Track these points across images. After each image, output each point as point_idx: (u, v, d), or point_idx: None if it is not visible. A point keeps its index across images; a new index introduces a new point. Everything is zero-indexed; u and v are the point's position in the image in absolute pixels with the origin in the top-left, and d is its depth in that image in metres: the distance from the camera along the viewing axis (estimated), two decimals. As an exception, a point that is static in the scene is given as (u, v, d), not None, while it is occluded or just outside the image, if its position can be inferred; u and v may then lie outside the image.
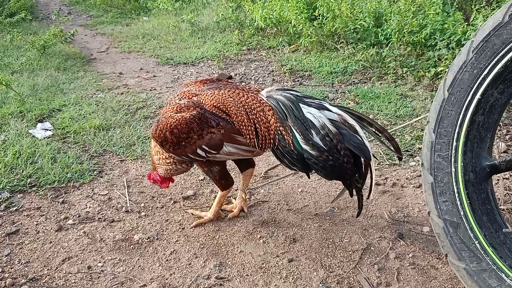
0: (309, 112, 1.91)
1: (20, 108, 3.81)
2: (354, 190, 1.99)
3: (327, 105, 1.93)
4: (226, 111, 2.01)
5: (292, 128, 1.92)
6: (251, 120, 1.99)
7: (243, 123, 2.00)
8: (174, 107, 2.03)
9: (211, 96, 2.04)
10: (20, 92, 4.15)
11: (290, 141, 1.93)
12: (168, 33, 6.91)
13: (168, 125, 1.98)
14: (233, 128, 2.00)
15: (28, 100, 4.04)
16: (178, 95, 2.12)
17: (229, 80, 2.36)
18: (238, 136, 2.01)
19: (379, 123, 3.34)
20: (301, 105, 1.94)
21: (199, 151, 2.02)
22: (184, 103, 2.03)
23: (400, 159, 2.08)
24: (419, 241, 2.15)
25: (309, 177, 2.12)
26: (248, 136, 2.01)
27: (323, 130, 1.87)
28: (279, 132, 1.96)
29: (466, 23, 4.13)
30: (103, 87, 4.57)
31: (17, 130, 3.37)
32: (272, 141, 1.98)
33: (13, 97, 4.06)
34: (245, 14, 6.78)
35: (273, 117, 1.97)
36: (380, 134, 1.97)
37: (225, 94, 2.04)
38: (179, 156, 2.09)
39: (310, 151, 1.89)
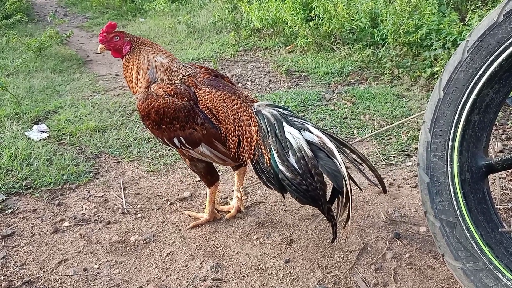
0: (289, 132, 1.86)
1: (15, 110, 3.79)
2: (329, 217, 1.90)
3: (309, 126, 1.88)
4: (216, 115, 2.00)
5: (271, 146, 1.89)
6: (236, 131, 1.99)
7: (229, 132, 1.99)
8: (170, 88, 2.00)
9: (208, 95, 2.02)
10: (16, 94, 4.14)
11: (268, 160, 1.90)
12: (164, 34, 6.90)
13: (157, 103, 1.97)
14: (215, 133, 2.00)
15: (24, 102, 4.03)
16: (183, 74, 2.07)
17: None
18: (217, 142, 2.01)
19: (375, 123, 3.35)
20: (284, 123, 1.90)
21: (175, 140, 2.02)
22: (181, 89, 2.01)
23: (384, 192, 1.99)
24: (416, 241, 2.16)
25: (284, 198, 2.08)
26: (231, 145, 2.01)
27: (299, 152, 1.82)
28: (259, 149, 1.94)
29: (462, 23, 4.14)
30: (99, 88, 4.56)
31: (13, 132, 3.36)
32: (252, 156, 1.97)
33: (8, 99, 4.05)
34: (241, 15, 6.77)
35: (257, 133, 1.95)
36: (361, 163, 1.91)
37: (220, 97, 2.02)
38: (155, 136, 2.09)
39: (285, 172, 1.85)
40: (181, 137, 2.00)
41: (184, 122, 1.97)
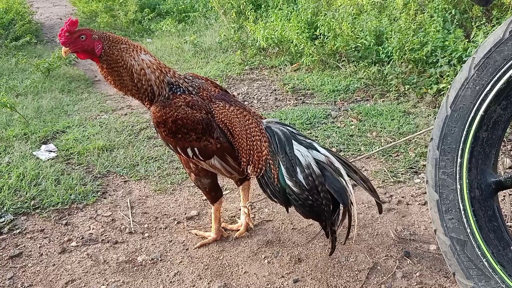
0: (298, 150, 1.93)
1: (24, 130, 3.83)
2: (329, 232, 1.99)
3: (316, 145, 1.97)
4: (231, 130, 2.03)
5: (280, 162, 1.95)
6: (248, 146, 2.01)
7: (242, 147, 2.03)
8: (187, 99, 1.98)
9: (222, 109, 2.04)
10: (25, 115, 4.18)
11: (276, 175, 1.95)
12: (171, 54, 6.97)
13: (175, 113, 1.94)
14: (228, 147, 2.03)
15: (33, 122, 4.06)
16: (193, 85, 2.07)
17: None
18: (228, 157, 2.04)
19: (382, 140, 3.34)
20: (293, 141, 1.97)
21: (188, 150, 2.01)
22: (198, 101, 2.01)
23: (380, 211, 2.09)
24: (426, 259, 2.13)
25: (287, 211, 2.11)
26: (242, 159, 2.04)
27: (308, 169, 1.89)
28: (268, 164, 1.98)
29: (467, 40, 4.15)
30: (107, 108, 4.60)
31: (21, 152, 3.38)
32: (259, 170, 2.00)
33: (17, 120, 4.09)
34: (247, 35, 6.83)
35: (267, 149, 1.99)
36: (363, 183, 1.97)
37: (234, 112, 2.05)
38: (166, 142, 2.06)
39: (292, 187, 1.91)
40: (195, 148, 2.00)
41: (201, 134, 1.98)
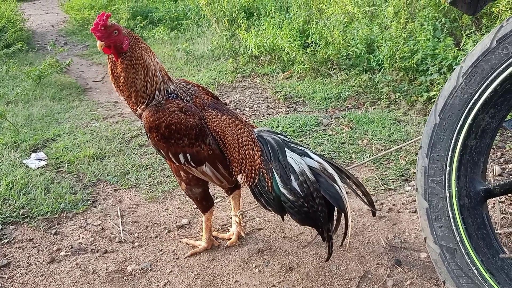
0: (291, 157, 1.94)
1: (14, 139, 3.79)
2: (325, 237, 2.00)
3: (309, 153, 1.97)
4: (223, 139, 2.02)
5: (274, 171, 1.95)
6: (240, 155, 2.01)
7: (233, 156, 2.02)
8: (180, 105, 1.97)
9: (215, 118, 2.04)
10: (15, 123, 4.15)
11: (270, 184, 1.95)
12: (163, 61, 6.97)
13: (169, 118, 1.92)
14: (219, 154, 2.03)
15: (23, 130, 4.03)
16: (188, 93, 2.07)
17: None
18: (219, 165, 2.04)
19: (373, 148, 3.35)
20: (286, 149, 1.97)
21: (180, 156, 1.99)
22: (192, 107, 2.01)
23: (374, 214, 2.10)
24: (417, 267, 2.13)
25: (283, 220, 2.12)
26: (234, 168, 2.04)
27: (302, 176, 1.90)
28: (261, 173, 1.97)
29: (457, 48, 4.19)
30: (98, 116, 4.58)
31: (11, 161, 3.35)
32: (252, 179, 2.00)
33: (7, 128, 4.05)
34: (239, 43, 6.85)
35: (260, 158, 1.99)
36: (356, 188, 1.99)
37: (226, 121, 2.05)
38: (157, 148, 2.03)
39: (287, 195, 1.91)
40: (187, 154, 1.99)
41: (194, 140, 1.97)
